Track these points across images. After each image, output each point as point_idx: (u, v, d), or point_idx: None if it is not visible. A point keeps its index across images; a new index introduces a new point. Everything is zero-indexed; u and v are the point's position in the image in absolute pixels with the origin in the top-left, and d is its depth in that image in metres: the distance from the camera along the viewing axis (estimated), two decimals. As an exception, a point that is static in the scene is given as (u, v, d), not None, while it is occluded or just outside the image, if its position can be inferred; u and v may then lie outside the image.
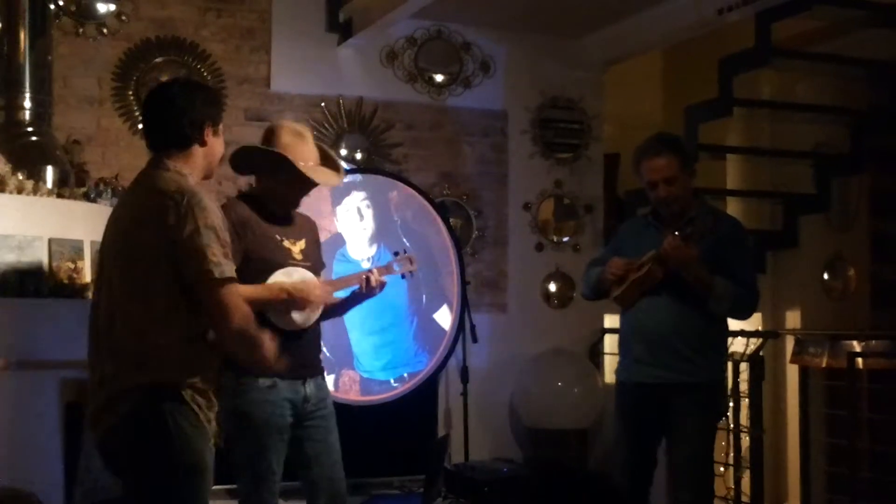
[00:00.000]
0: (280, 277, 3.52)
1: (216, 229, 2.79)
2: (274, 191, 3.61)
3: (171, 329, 2.79)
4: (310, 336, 3.65)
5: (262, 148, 3.57)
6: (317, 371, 3.69)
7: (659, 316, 3.91)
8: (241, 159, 3.67)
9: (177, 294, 2.78)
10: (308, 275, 3.61)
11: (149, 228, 2.80)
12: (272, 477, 3.53)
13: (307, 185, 3.62)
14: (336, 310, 3.86)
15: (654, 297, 3.91)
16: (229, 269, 2.79)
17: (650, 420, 3.98)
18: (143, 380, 2.77)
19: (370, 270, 3.77)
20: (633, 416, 4.06)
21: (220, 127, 3.03)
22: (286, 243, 3.63)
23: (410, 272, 3.97)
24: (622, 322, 4.13)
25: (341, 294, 3.84)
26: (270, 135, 3.59)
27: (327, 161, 3.70)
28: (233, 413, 3.48)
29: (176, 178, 2.87)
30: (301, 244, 3.67)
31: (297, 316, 3.55)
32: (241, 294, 2.91)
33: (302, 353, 3.59)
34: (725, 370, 4.27)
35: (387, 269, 3.86)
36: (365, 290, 3.76)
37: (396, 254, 3.96)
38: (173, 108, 2.94)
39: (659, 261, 3.83)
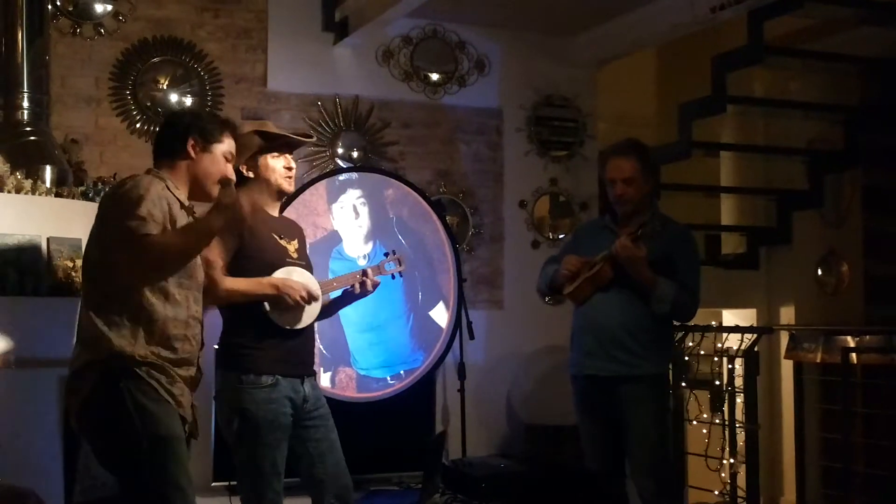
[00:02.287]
0: (281, 275, 3.58)
1: (144, 198, 2.93)
2: (262, 181, 3.67)
3: (122, 307, 2.95)
4: (307, 335, 3.70)
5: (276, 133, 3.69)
6: (311, 370, 3.74)
7: (609, 311, 4.12)
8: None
9: (125, 273, 2.95)
10: (307, 274, 3.67)
11: (99, 212, 3.07)
12: (276, 476, 3.56)
13: (281, 147, 3.69)
14: (330, 309, 3.92)
15: (605, 293, 4.12)
16: (147, 227, 2.91)
17: (604, 411, 4.17)
18: (96, 356, 2.94)
19: (364, 271, 3.84)
20: (588, 408, 4.26)
21: (215, 146, 3.17)
22: (283, 242, 3.69)
23: (400, 273, 4.09)
24: (575, 317, 4.32)
25: (334, 294, 3.89)
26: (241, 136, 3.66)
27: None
28: (235, 412, 3.53)
29: (141, 174, 3.11)
30: (294, 244, 3.75)
31: (296, 314, 3.59)
32: (231, 286, 3.40)
33: (300, 352, 3.66)
34: (669, 365, 4.45)
35: (378, 269, 3.95)
36: (359, 291, 3.83)
37: (387, 254, 4.07)
38: (165, 125, 3.28)
39: (610, 260, 4.05)
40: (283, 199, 3.86)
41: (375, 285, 3.85)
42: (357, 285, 3.82)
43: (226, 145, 3.22)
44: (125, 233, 2.91)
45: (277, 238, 3.67)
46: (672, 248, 4.12)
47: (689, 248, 4.24)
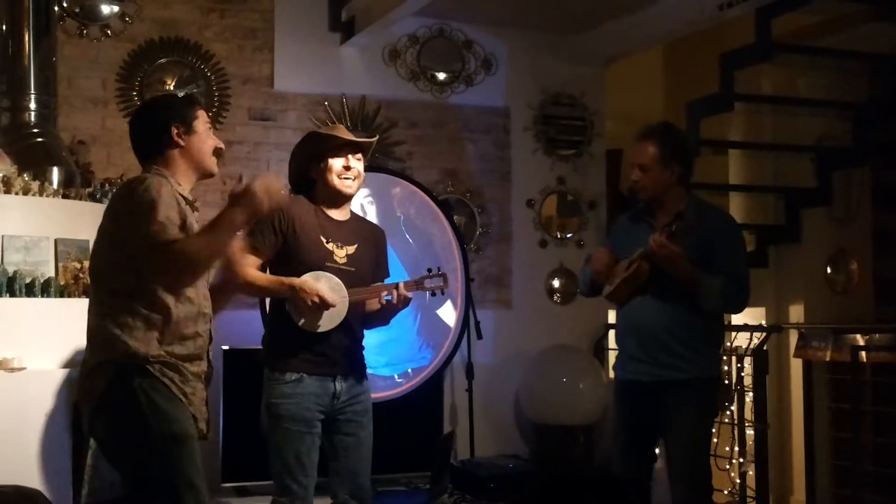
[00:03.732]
0: (308, 278, 3.64)
1: (157, 202, 2.90)
2: (321, 183, 3.77)
3: (133, 308, 2.94)
4: (343, 336, 3.73)
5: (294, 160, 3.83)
6: (348, 370, 3.77)
7: (651, 313, 3.93)
8: (293, 177, 3.86)
9: (136, 275, 2.94)
10: (334, 280, 3.69)
11: (107, 215, 3.05)
12: (301, 469, 3.64)
13: (338, 150, 3.75)
14: (372, 320, 3.90)
15: (646, 294, 3.93)
16: (172, 233, 2.90)
17: (645, 416, 4.00)
18: (110, 356, 2.94)
19: (397, 284, 3.78)
20: (629, 411, 4.09)
21: (196, 124, 3.15)
22: (330, 245, 3.74)
23: (442, 290, 3.93)
24: (618, 318, 4.18)
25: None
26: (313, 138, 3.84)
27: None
28: (264, 407, 3.69)
29: (140, 176, 3.07)
30: (350, 248, 3.78)
31: (315, 318, 3.64)
32: (249, 277, 3.51)
33: (328, 353, 3.70)
34: (719, 365, 4.29)
35: (416, 285, 3.84)
36: (385, 304, 3.79)
37: (430, 270, 3.90)
38: (137, 126, 3.23)
39: (646, 258, 3.85)
40: (347, 201, 3.85)
41: (404, 301, 3.75)
42: (382, 300, 3.78)
43: (202, 118, 3.19)
44: (148, 240, 2.88)
45: (324, 241, 3.72)
46: (712, 237, 3.89)
47: (730, 234, 4.01)
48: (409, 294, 3.76)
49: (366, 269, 3.82)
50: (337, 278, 3.69)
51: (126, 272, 2.95)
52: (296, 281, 3.60)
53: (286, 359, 3.66)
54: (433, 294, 3.99)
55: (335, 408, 3.72)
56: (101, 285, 3.04)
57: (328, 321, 3.66)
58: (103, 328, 2.96)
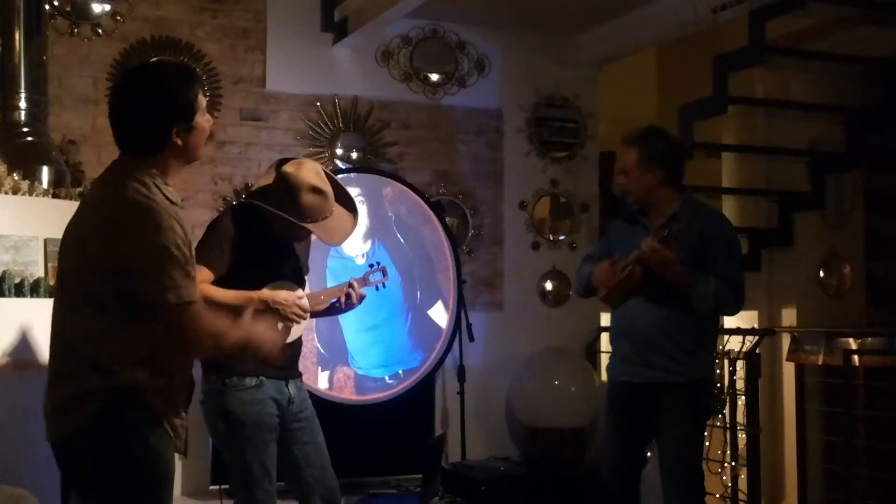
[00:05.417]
0: (266, 291, 3.56)
1: (171, 250, 2.61)
2: (283, 227, 3.63)
3: (130, 336, 2.65)
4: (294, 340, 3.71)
5: (279, 214, 3.57)
6: (297, 373, 3.75)
7: (645, 315, 3.92)
8: (256, 197, 3.68)
9: (138, 310, 2.64)
10: (294, 290, 3.65)
11: (105, 239, 2.65)
12: (266, 476, 3.56)
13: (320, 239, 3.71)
14: (320, 314, 3.94)
15: (640, 296, 3.92)
16: (189, 293, 2.64)
17: (637, 419, 4.00)
18: (105, 384, 2.64)
19: (351, 283, 3.83)
20: (621, 413, 4.08)
21: (197, 118, 2.77)
22: (281, 258, 3.69)
23: (384, 284, 4.07)
24: (612, 320, 4.16)
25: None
26: (290, 188, 3.58)
27: (341, 196, 3.74)
28: (221, 414, 3.54)
29: (142, 189, 2.68)
30: (295, 261, 3.74)
31: (283, 330, 3.58)
32: (214, 297, 3.15)
33: (287, 357, 3.64)
34: (713, 368, 4.27)
35: (364, 281, 3.95)
36: (344, 306, 3.84)
37: (371, 266, 4.04)
38: (134, 116, 2.81)
39: (640, 262, 3.85)
40: None
41: (361, 298, 3.84)
42: (343, 298, 3.82)
43: (202, 105, 2.81)
44: (161, 295, 2.60)
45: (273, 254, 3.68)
46: (708, 239, 3.89)
47: (724, 235, 4.00)
48: (364, 292, 3.86)
49: (305, 269, 3.83)
50: (291, 283, 3.65)
51: (122, 303, 2.63)
52: (265, 294, 3.52)
53: (244, 363, 3.47)
54: (377, 288, 4.07)
55: (290, 413, 3.64)
56: (88, 305, 2.67)
57: (298, 330, 3.66)
58: (92, 354, 2.65)
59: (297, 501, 3.75)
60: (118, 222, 2.65)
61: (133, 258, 2.61)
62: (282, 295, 3.55)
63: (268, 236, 3.62)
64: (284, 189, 3.58)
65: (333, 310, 3.90)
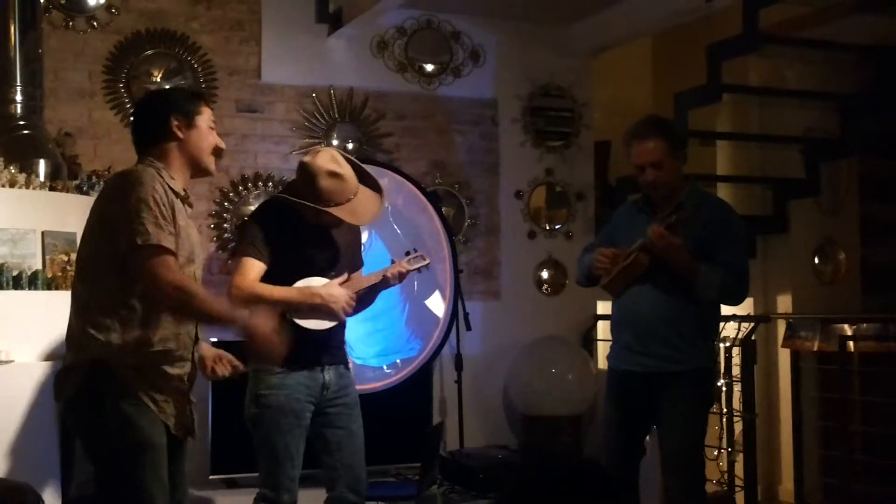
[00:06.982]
0: (303, 284, 3.68)
1: (148, 202, 2.86)
2: (311, 215, 3.74)
3: (111, 308, 2.89)
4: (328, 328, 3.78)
5: (301, 202, 3.70)
6: (336, 360, 3.82)
7: (647, 304, 3.91)
8: (284, 192, 3.84)
9: (118, 274, 2.88)
10: (330, 283, 3.73)
11: (96, 209, 2.98)
12: (289, 460, 3.67)
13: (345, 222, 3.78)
14: (363, 302, 3.97)
15: (643, 284, 3.91)
16: (157, 237, 2.85)
17: (638, 407, 4.00)
18: (83, 358, 2.90)
19: (388, 269, 3.90)
20: (622, 402, 4.08)
21: (198, 119, 3.09)
22: (314, 250, 3.78)
23: (427, 266, 4.08)
24: (614, 308, 4.15)
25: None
26: (309, 176, 3.69)
27: (364, 178, 3.81)
28: (252, 398, 3.71)
29: (137, 167, 3.01)
30: (330, 252, 3.82)
31: (320, 320, 3.70)
32: (273, 295, 3.52)
33: (318, 343, 3.74)
34: (715, 357, 4.27)
35: (407, 265, 3.96)
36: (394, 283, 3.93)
37: (408, 253, 4.04)
38: (137, 115, 3.22)
39: (645, 249, 3.84)
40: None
41: (399, 276, 3.91)
42: (393, 280, 3.89)
43: (206, 115, 3.12)
44: (133, 238, 2.84)
45: (310, 246, 3.77)
46: (712, 227, 3.88)
47: (729, 224, 3.97)
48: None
49: (349, 266, 3.89)
50: (328, 280, 3.74)
51: (108, 269, 2.90)
52: (321, 290, 3.66)
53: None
54: (419, 271, 4.11)
55: (325, 398, 3.74)
56: (82, 280, 3.00)
57: (335, 320, 3.76)
58: (79, 328, 2.93)
59: (325, 487, 3.83)
60: (108, 189, 3.04)
61: (115, 214, 2.89)
62: (336, 291, 3.67)
63: (299, 228, 3.72)
64: (303, 178, 3.70)
65: (372, 294, 3.95)
